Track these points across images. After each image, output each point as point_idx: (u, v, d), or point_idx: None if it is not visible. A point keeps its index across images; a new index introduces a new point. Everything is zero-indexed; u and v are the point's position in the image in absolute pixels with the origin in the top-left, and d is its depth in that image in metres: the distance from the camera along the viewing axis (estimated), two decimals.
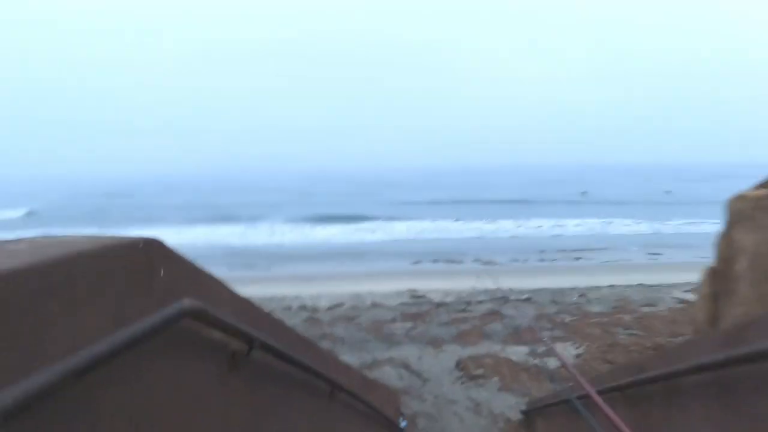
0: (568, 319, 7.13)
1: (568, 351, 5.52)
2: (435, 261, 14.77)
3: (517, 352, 5.60)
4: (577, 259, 13.74)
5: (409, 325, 7.38)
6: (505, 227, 21.22)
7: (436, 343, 6.21)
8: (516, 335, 6.39)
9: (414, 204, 28.94)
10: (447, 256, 15.17)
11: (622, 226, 20.53)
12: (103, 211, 29.40)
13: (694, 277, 9.89)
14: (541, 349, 5.70)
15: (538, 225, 21.46)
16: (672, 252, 14.20)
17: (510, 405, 4.05)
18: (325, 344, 6.40)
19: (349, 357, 5.77)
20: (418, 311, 8.23)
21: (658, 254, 14.11)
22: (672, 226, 19.91)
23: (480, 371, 4.76)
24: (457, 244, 17.97)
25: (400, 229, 21.46)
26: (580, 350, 5.46)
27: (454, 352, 5.69)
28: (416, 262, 14.66)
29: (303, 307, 8.72)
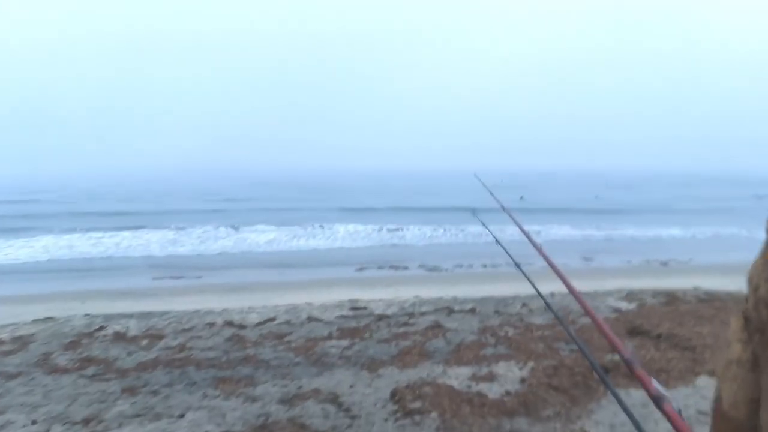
0: (511, 332, 6.66)
1: (512, 372, 4.98)
2: (380, 267, 14.12)
3: (459, 375, 4.99)
4: (516, 265, 13.55)
5: (345, 342, 6.61)
6: (450, 233, 21.02)
7: (372, 365, 5.49)
8: (458, 354, 5.81)
9: (358, 209, 28.20)
10: (392, 263, 14.57)
11: (559, 230, 20.91)
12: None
13: (624, 283, 9.81)
14: (483, 370, 5.13)
15: (478, 231, 21.44)
16: (603, 257, 14.42)
17: None
18: (245, 370, 5.51)
19: (269, 387, 4.92)
20: (357, 326, 7.49)
21: (591, 259, 14.27)
22: (602, 231, 20.51)
23: (417, 404, 4.08)
24: (402, 251, 17.45)
25: (343, 235, 20.65)
26: (524, 372, 4.93)
27: (391, 378, 4.99)
28: (360, 269, 13.94)
29: (229, 323, 7.72)
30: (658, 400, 0.93)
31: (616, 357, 5.27)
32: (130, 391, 4.91)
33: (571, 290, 1.47)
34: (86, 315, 8.42)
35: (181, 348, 6.44)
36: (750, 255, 0.98)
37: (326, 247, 18.23)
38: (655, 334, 5.87)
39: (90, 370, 5.61)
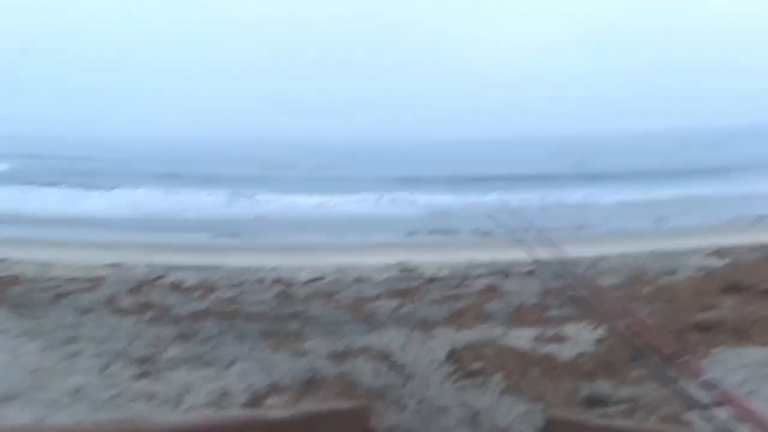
0: (577, 294, 5.98)
1: (584, 334, 4.38)
2: (431, 232, 13.63)
3: (522, 337, 4.46)
4: (580, 227, 12.59)
5: (395, 303, 6.24)
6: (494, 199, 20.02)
7: (425, 326, 5.07)
8: (519, 315, 5.26)
9: (405, 178, 27.45)
10: (443, 227, 14.03)
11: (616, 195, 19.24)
12: None
13: (711, 241, 8.71)
14: (549, 332, 4.57)
15: (527, 197, 20.36)
16: (680, 217, 13.04)
17: (519, 415, 2.92)
18: (293, 326, 5.28)
19: (318, 343, 4.65)
20: (407, 287, 7.09)
21: (665, 219, 12.95)
22: (675, 189, 18.61)
23: (478, 365, 3.62)
24: (452, 217, 16.80)
25: (390, 200, 20.22)
26: (600, 333, 4.32)
27: (447, 339, 4.55)
28: (410, 234, 13.50)
29: (277, 281, 7.57)
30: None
31: (708, 315, 4.52)
32: (183, 337, 4.84)
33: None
34: (148, 264, 8.69)
35: (232, 301, 6.36)
36: None
37: (372, 213, 17.94)
38: (761, 289, 5.01)
39: (148, 314, 5.67)
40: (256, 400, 3.31)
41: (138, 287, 7.15)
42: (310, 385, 3.56)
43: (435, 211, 17.96)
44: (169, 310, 5.91)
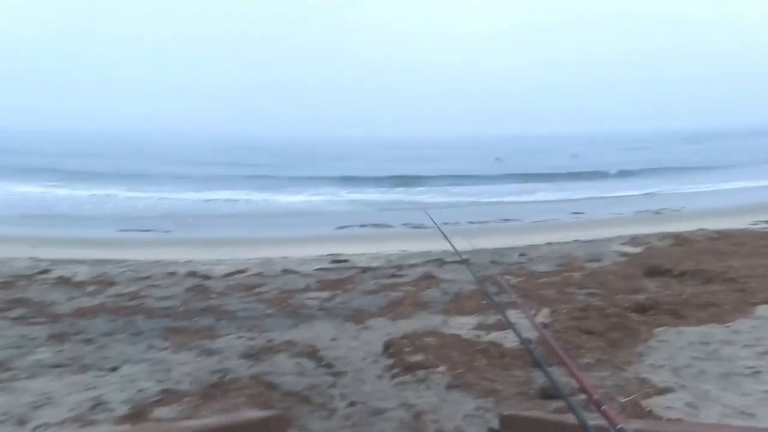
0: (514, 280, 5.74)
1: (526, 320, 4.03)
2: (362, 225, 13.08)
3: (464, 325, 4.04)
4: (506, 220, 12.75)
5: (325, 294, 5.59)
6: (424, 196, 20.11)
7: (358, 317, 4.49)
8: (458, 303, 4.86)
9: (336, 177, 26.64)
10: (375, 221, 13.55)
11: (539, 193, 20.14)
12: None
13: (623, 231, 9.05)
14: (491, 319, 4.19)
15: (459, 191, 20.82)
16: (592, 211, 13.72)
17: (469, 414, 2.42)
18: (204, 321, 4.44)
19: (232, 339, 3.87)
20: (339, 277, 6.46)
21: (581, 213, 13.56)
22: (582, 191, 19.80)
23: (419, 357, 3.10)
24: (384, 212, 16.41)
25: (321, 197, 19.49)
26: (542, 318, 4.01)
27: (383, 329, 4.01)
28: (341, 227, 12.85)
29: (192, 273, 6.59)
30: None
31: (641, 298, 4.43)
32: (59, 338, 3.84)
33: None
34: (31, 258, 7.23)
35: (133, 296, 5.32)
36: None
37: (304, 208, 17.05)
38: (678, 272, 5.06)
39: (16, 312, 4.52)
40: (141, 411, 2.51)
41: (12, 282, 5.88)
42: (216, 389, 2.81)
43: (367, 207, 17.50)
44: (47, 307, 4.77)
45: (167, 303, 5.05)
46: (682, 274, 5.09)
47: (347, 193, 20.45)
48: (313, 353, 3.41)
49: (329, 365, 3.19)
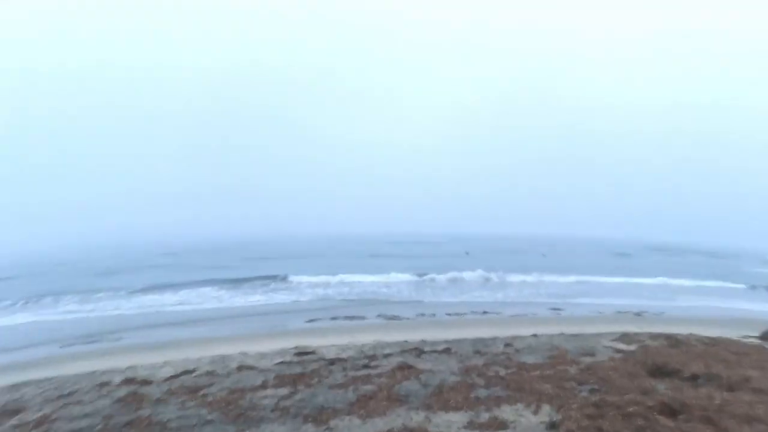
0: (502, 372, 4.97)
1: (526, 417, 3.28)
2: (333, 318, 12.06)
3: (451, 423, 3.22)
4: (484, 312, 12.04)
5: (284, 391, 4.64)
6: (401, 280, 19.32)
7: (321, 416, 3.60)
8: (441, 396, 4.02)
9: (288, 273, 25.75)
10: (345, 313, 12.57)
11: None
12: None
13: (608, 328, 8.47)
14: (483, 416, 3.40)
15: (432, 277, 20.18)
16: (569, 308, 13.20)
17: None
18: None
19: None
20: (302, 371, 5.50)
21: (559, 309, 13.00)
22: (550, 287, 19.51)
23: None
24: (355, 303, 15.42)
25: (293, 287, 18.41)
26: (543, 416, 3.26)
27: (350, 430, 3.13)
28: (311, 320, 11.79)
29: (129, 381, 5.49)
30: None
31: (662, 398, 3.72)
32: None
33: None
34: None
35: (39, 422, 4.19)
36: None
37: (266, 302, 15.85)
38: (688, 374, 4.43)
39: None
40: None
41: None
42: None
43: (330, 300, 16.46)
44: None
45: (83, 423, 4.00)
46: (694, 378, 4.48)
47: (308, 287, 19.36)
48: None
49: None
